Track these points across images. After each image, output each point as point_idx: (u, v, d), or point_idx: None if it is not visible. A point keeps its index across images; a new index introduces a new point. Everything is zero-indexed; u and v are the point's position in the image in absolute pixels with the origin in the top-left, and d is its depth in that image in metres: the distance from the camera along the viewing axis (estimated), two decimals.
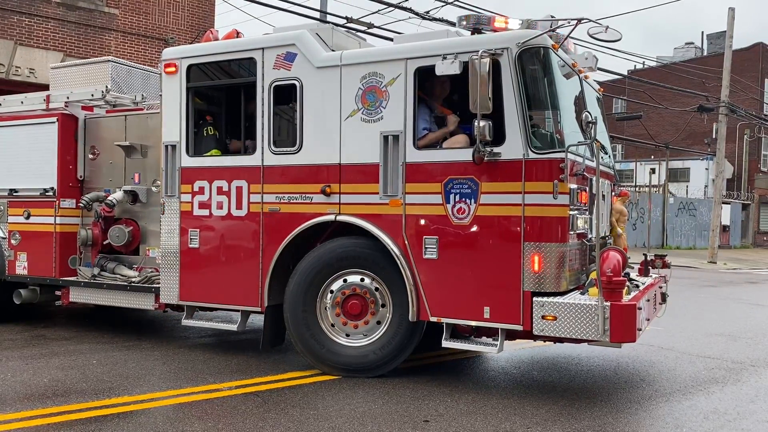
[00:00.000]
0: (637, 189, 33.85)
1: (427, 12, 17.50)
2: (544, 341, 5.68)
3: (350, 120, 5.89)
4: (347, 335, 5.93)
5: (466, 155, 5.39)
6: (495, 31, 5.57)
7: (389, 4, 17.25)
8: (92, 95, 7.78)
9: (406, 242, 5.63)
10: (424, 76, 5.69)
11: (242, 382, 5.74)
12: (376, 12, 23.20)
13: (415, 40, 5.94)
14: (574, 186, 5.33)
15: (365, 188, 5.83)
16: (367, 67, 5.83)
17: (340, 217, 5.90)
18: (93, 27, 16.00)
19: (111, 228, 7.54)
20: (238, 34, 7.10)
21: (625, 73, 33.09)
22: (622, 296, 5.01)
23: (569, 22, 5.16)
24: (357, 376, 5.81)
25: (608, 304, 4.90)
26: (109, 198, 7.47)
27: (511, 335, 5.50)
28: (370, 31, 16.83)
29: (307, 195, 6.06)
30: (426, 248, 5.56)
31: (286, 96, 6.31)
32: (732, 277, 19.69)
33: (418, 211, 5.62)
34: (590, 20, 5.14)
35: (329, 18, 18.14)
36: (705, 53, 45.81)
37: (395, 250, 5.64)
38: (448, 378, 5.97)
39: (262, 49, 6.31)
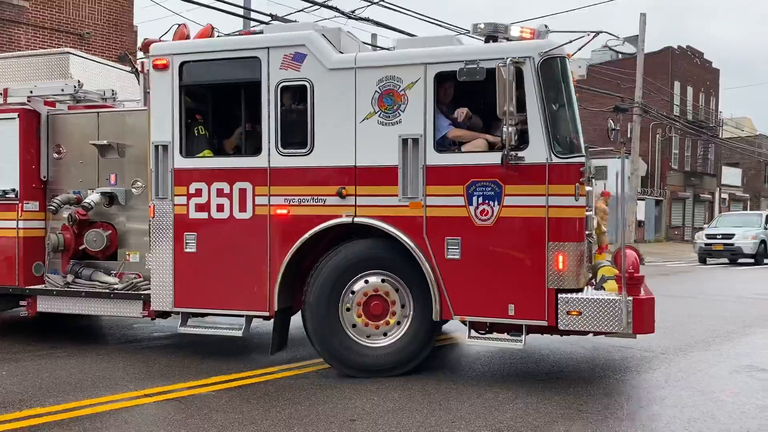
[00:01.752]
0: None
1: (353, 11, 17.54)
2: (561, 335, 5.96)
3: (366, 123, 5.91)
4: (368, 336, 5.95)
5: (489, 158, 5.59)
6: (509, 40, 5.80)
7: (315, 3, 17.13)
8: (62, 90, 7.27)
9: (428, 243, 5.74)
10: (444, 81, 5.82)
11: (164, 388, 5.60)
12: (301, 10, 22.85)
13: (414, 46, 6.13)
14: (589, 188, 5.66)
15: (383, 190, 5.87)
16: (383, 70, 5.88)
17: (358, 219, 5.90)
18: (0, 20, 14.78)
19: (87, 232, 7.06)
20: (212, 30, 6.93)
21: None
22: (640, 291, 5.39)
23: (588, 34, 5.49)
24: (378, 376, 5.83)
25: (630, 298, 5.25)
26: (85, 200, 7.00)
27: (530, 330, 5.74)
28: None
29: (319, 197, 6.02)
30: (448, 249, 5.69)
31: (294, 97, 6.22)
32: (646, 269, 21.11)
33: (439, 212, 5.74)
34: (608, 33, 5.49)
35: (253, 15, 17.80)
36: (620, 56, 48.54)
37: (416, 250, 5.72)
38: (376, 376, 5.88)
39: (268, 48, 6.18)
